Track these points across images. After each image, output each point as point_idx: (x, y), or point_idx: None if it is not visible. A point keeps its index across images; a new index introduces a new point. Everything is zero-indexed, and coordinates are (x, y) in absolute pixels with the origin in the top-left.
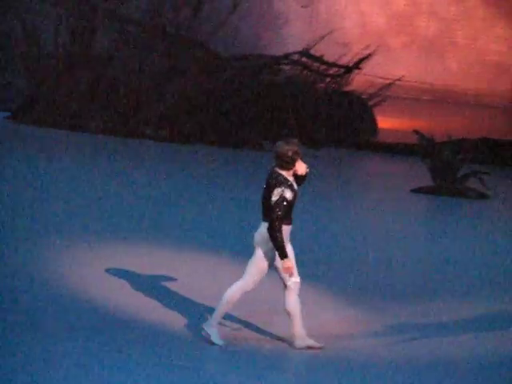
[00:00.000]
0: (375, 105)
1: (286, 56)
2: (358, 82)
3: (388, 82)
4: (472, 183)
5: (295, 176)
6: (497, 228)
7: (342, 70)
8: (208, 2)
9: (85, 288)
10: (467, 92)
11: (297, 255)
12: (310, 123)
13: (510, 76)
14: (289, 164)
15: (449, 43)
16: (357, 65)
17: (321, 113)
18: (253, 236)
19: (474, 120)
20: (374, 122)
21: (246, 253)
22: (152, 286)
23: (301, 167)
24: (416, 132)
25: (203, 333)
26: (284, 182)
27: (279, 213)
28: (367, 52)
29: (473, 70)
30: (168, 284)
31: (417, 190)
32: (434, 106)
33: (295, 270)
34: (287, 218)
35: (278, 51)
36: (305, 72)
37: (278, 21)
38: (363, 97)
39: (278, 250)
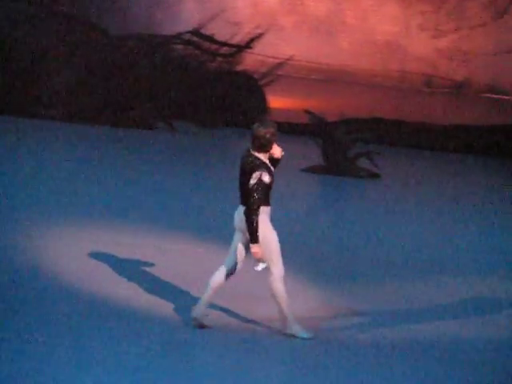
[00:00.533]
0: (266, 84)
1: (178, 35)
2: (249, 61)
3: (279, 61)
4: (363, 163)
5: (271, 159)
6: (389, 207)
7: (234, 50)
8: None
9: (69, 276)
10: (358, 72)
11: None
12: (201, 103)
13: (399, 56)
14: (266, 146)
15: (339, 23)
16: (248, 44)
17: (212, 92)
18: (234, 221)
19: (366, 100)
20: (264, 101)
21: None
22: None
23: (276, 150)
24: (307, 111)
25: (193, 320)
26: (262, 166)
27: (257, 196)
28: (258, 31)
29: (363, 49)
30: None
31: (307, 170)
32: (325, 86)
33: (277, 257)
34: (266, 199)
35: (170, 31)
36: (196, 52)
37: (170, 0)
38: (254, 76)
39: (251, 233)
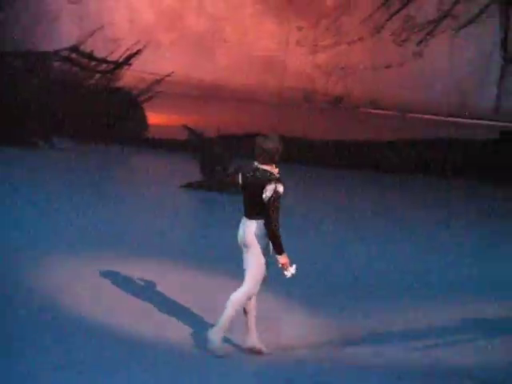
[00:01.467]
0: (145, 101)
1: (56, 52)
2: (128, 78)
3: (157, 77)
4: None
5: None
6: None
7: (112, 66)
8: None
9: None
10: (237, 88)
11: None
12: (79, 120)
13: (278, 71)
14: (274, 158)
15: (218, 39)
16: (126, 61)
17: (90, 109)
18: (238, 237)
19: (245, 116)
20: (143, 117)
21: None
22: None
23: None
24: (185, 127)
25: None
26: (273, 178)
27: (276, 206)
28: (137, 48)
29: (242, 65)
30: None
31: (186, 186)
32: (204, 102)
33: (256, 273)
34: None
35: (48, 48)
36: (75, 69)
37: (48, 17)
38: (133, 93)
39: (276, 244)
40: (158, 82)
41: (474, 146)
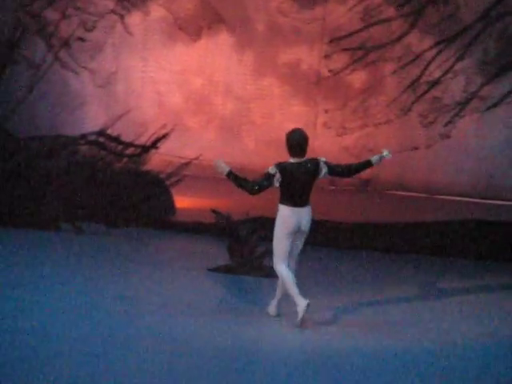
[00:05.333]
0: (172, 184)
1: (83, 136)
2: (155, 161)
3: (185, 161)
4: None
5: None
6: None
7: (139, 150)
8: (3, 83)
9: None
10: (263, 170)
11: None
12: (108, 204)
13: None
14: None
15: (245, 122)
16: (153, 144)
17: (117, 192)
18: (292, 225)
19: (272, 198)
20: (171, 201)
21: None
22: None
23: None
24: (213, 211)
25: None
26: (319, 159)
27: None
28: (164, 131)
29: (269, 148)
30: None
31: (214, 269)
32: (231, 185)
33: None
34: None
35: (75, 132)
36: (102, 152)
37: (75, 102)
38: (160, 176)
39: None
40: (186, 165)
41: (501, 228)
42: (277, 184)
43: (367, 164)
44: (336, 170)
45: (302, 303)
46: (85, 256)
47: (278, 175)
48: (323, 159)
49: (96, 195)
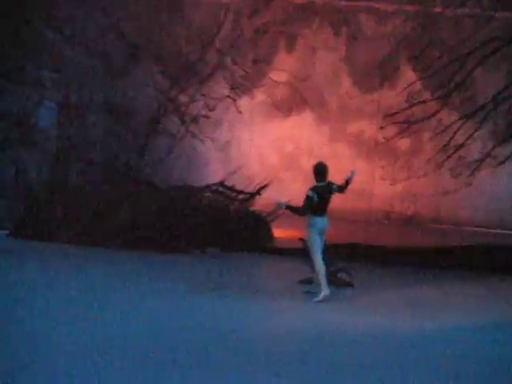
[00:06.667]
0: (271, 220)
1: (207, 186)
2: (259, 204)
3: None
4: (341, 275)
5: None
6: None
7: (248, 196)
8: (148, 148)
9: None
10: (335, 210)
11: None
12: (225, 234)
13: (367, 198)
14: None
15: None
16: (258, 192)
17: (232, 226)
18: (320, 226)
19: (341, 230)
20: (270, 232)
21: None
22: None
23: None
24: (300, 239)
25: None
26: (332, 182)
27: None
28: (265, 182)
29: (341, 195)
30: None
31: (303, 281)
32: None
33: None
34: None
35: (201, 183)
36: (221, 198)
37: (201, 162)
38: (263, 214)
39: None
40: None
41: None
42: (316, 201)
43: (347, 181)
44: (340, 188)
45: (326, 292)
46: (211, 274)
47: (315, 196)
48: (333, 181)
49: (215, 228)
